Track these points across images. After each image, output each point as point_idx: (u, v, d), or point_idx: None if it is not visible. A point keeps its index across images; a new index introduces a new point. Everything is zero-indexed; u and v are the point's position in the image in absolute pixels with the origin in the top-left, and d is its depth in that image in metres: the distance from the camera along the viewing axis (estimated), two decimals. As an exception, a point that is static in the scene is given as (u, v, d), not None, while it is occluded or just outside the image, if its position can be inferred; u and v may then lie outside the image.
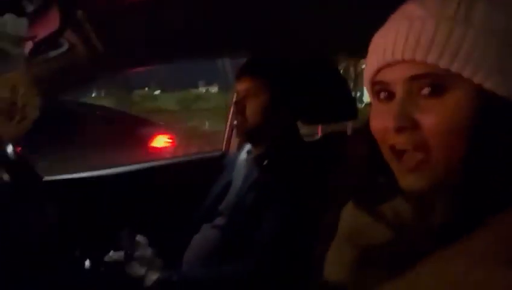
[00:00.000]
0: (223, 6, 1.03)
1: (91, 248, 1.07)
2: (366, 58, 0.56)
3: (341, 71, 1.67)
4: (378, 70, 0.53)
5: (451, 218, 0.49)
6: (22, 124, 0.87)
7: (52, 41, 0.99)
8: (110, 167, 1.73)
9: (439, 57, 0.46)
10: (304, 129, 1.52)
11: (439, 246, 0.47)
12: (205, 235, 1.29)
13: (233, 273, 1.09)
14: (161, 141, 4.66)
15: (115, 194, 1.59)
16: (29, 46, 0.93)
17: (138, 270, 1.03)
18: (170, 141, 4.81)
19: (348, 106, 1.49)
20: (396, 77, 0.50)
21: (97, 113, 4.65)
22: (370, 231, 0.57)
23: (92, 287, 1.04)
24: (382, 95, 0.53)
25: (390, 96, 0.52)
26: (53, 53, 1.06)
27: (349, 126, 2.02)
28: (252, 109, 1.22)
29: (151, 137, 4.64)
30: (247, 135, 1.27)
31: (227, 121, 2.00)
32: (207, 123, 9.27)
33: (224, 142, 1.99)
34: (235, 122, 1.26)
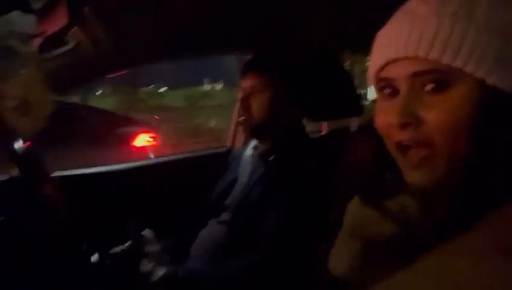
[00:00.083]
0: (228, 2, 1.04)
1: (98, 242, 1.08)
2: (371, 55, 0.56)
3: (347, 68, 1.66)
4: (382, 67, 0.53)
5: (454, 213, 0.49)
6: (37, 120, 0.88)
7: (59, 38, 0.99)
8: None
9: (441, 53, 0.47)
10: (309, 126, 1.52)
11: (442, 240, 0.47)
12: (211, 230, 1.30)
13: (238, 268, 1.09)
14: (143, 140, 4.64)
15: (122, 189, 1.60)
16: (37, 42, 0.94)
17: (145, 265, 1.04)
18: (152, 139, 4.79)
19: (353, 102, 1.49)
20: (399, 74, 0.51)
21: (80, 112, 4.65)
22: (375, 225, 0.58)
23: (99, 281, 1.05)
24: (386, 91, 0.53)
25: (395, 92, 0.52)
26: (60, 50, 1.06)
27: (354, 123, 2.02)
28: (257, 106, 1.22)
29: (133, 136, 4.62)
30: (253, 131, 1.27)
31: (232, 118, 2.00)
32: (214, 120, 9.29)
33: (230, 139, 1.99)
34: (241, 118, 1.27)
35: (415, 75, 0.49)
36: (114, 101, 11.13)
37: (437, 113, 0.48)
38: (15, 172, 1.08)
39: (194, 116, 10.23)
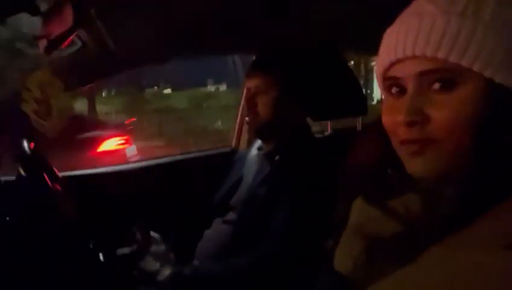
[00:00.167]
0: (234, 4, 1.04)
1: (104, 242, 1.09)
2: (378, 54, 0.56)
3: (351, 68, 1.66)
4: (390, 66, 0.53)
5: (459, 207, 0.49)
6: (58, 119, 0.89)
7: (65, 39, 1.00)
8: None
9: (449, 52, 0.47)
10: (314, 126, 1.52)
11: (448, 235, 0.48)
12: (216, 230, 1.30)
13: (244, 267, 1.10)
14: (113, 144, 4.60)
15: (128, 189, 1.61)
16: (43, 44, 0.95)
17: (152, 265, 1.05)
18: (123, 141, 4.75)
19: (358, 101, 1.49)
20: (407, 73, 0.51)
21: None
22: (379, 224, 0.58)
23: (105, 281, 1.05)
24: (393, 90, 0.53)
25: (402, 91, 0.52)
26: (66, 51, 1.07)
27: (359, 122, 2.02)
28: (263, 106, 1.23)
29: (99, 140, 4.58)
30: (258, 131, 1.28)
31: (237, 118, 2.01)
32: (219, 121, 9.31)
33: (235, 139, 2.00)
34: (247, 118, 1.27)
35: (423, 74, 0.49)
36: (119, 102, 11.19)
37: (444, 112, 0.48)
38: (22, 172, 1.09)
39: (198, 117, 10.27)
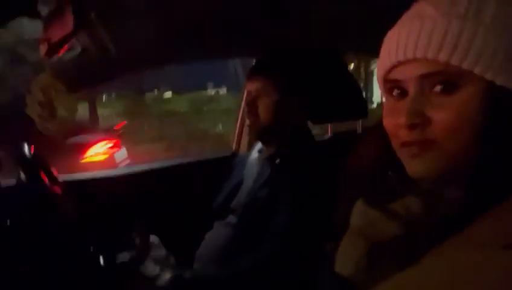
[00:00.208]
0: (234, 5, 1.04)
1: (105, 245, 1.09)
2: (379, 57, 0.56)
3: (352, 71, 1.67)
4: (391, 69, 0.53)
5: (459, 208, 0.49)
6: (63, 121, 0.90)
7: (65, 43, 1.00)
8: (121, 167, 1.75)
9: (450, 55, 0.47)
10: (314, 129, 1.52)
11: (448, 236, 0.48)
12: (217, 233, 1.30)
13: (245, 270, 1.09)
14: (100, 149, 4.55)
15: (128, 193, 1.61)
16: (43, 48, 0.95)
17: (152, 269, 1.04)
18: (111, 146, 4.69)
19: (359, 104, 1.50)
20: (408, 75, 0.51)
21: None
22: (381, 226, 0.58)
23: (105, 285, 1.05)
24: (395, 92, 0.54)
25: (403, 93, 0.52)
26: (66, 55, 1.08)
27: (359, 125, 2.02)
28: (264, 109, 1.23)
29: (86, 146, 4.52)
30: (259, 134, 1.28)
31: (237, 122, 2.01)
32: (220, 125, 9.32)
33: (235, 142, 2.00)
34: (248, 122, 1.27)
35: (424, 76, 0.49)
36: (120, 106, 11.21)
37: (446, 115, 0.48)
38: (22, 176, 1.09)
39: (199, 121, 10.28)
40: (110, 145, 4.79)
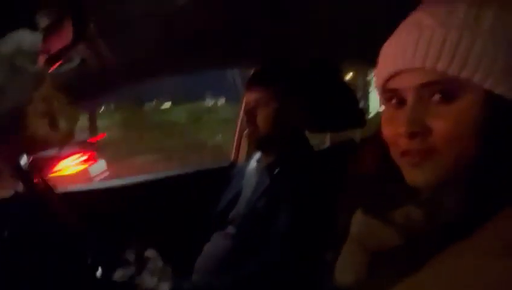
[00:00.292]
0: (232, 16, 1.05)
1: (102, 259, 1.08)
2: (377, 66, 0.56)
3: (349, 81, 1.68)
4: (389, 78, 0.53)
5: (459, 216, 0.49)
6: (66, 133, 0.90)
7: (64, 55, 1.01)
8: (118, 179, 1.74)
9: (449, 64, 0.47)
10: (312, 139, 1.52)
11: (449, 244, 0.48)
12: (216, 243, 1.29)
13: (244, 280, 1.09)
14: (71, 162, 4.49)
15: (126, 204, 1.60)
16: (42, 60, 0.96)
17: (149, 281, 1.04)
18: (85, 159, 4.63)
19: (356, 114, 1.50)
20: (407, 84, 0.51)
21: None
22: (381, 236, 0.57)
23: None
24: (394, 101, 0.54)
25: (402, 102, 0.52)
26: (66, 66, 1.08)
27: (357, 135, 2.02)
28: (262, 118, 1.23)
29: (56, 160, 4.44)
30: (258, 143, 1.28)
31: (236, 132, 2.01)
32: (219, 135, 9.31)
33: (233, 152, 2.00)
34: (247, 131, 1.28)
35: (423, 86, 0.49)
36: (119, 118, 11.21)
37: (445, 123, 0.48)
38: (20, 188, 1.08)
39: (198, 132, 10.28)
40: (84, 158, 4.69)
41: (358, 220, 0.64)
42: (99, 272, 1.01)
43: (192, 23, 1.05)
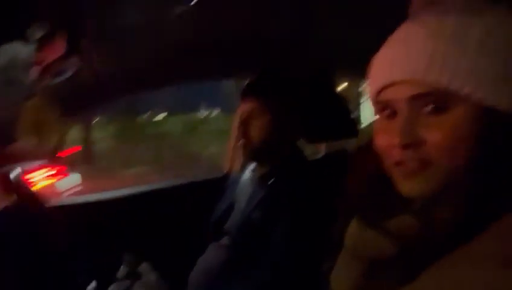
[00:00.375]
0: (226, 27, 1.06)
1: (96, 271, 1.07)
2: (368, 78, 0.57)
3: (342, 92, 1.70)
4: (381, 89, 0.54)
5: (454, 226, 0.49)
6: (54, 146, 0.89)
7: (57, 66, 1.01)
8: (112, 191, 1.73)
9: (439, 76, 0.47)
10: (306, 149, 1.53)
11: (445, 254, 0.47)
12: (211, 255, 1.28)
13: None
14: (39, 176, 4.40)
15: (119, 217, 1.59)
16: (35, 71, 0.96)
17: None
18: (53, 173, 4.49)
19: (350, 124, 1.51)
20: (398, 96, 0.51)
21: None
22: (376, 245, 0.57)
23: None
24: (386, 112, 0.54)
25: (394, 113, 0.53)
26: (58, 78, 1.08)
27: (351, 144, 2.02)
28: (256, 129, 1.23)
29: (24, 173, 4.31)
30: (252, 154, 1.28)
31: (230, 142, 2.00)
32: (213, 147, 9.28)
33: (228, 162, 1.99)
34: (240, 142, 1.28)
35: (414, 97, 0.50)
36: (113, 129, 11.16)
37: (438, 134, 0.48)
38: (11, 201, 1.07)
39: (193, 143, 10.25)
40: (52, 173, 4.58)
41: (353, 230, 0.64)
42: (91, 287, 1.00)
43: (186, 34, 1.05)
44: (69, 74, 1.06)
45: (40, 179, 4.32)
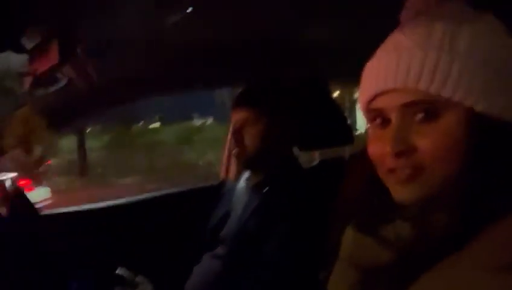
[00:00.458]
0: (219, 36, 1.06)
1: (90, 285, 1.06)
2: (360, 87, 0.57)
3: (336, 99, 1.71)
4: (373, 98, 0.54)
5: (449, 232, 0.49)
6: (39, 157, 0.88)
7: (51, 76, 1.00)
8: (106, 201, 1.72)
9: (429, 84, 0.48)
10: (301, 156, 1.53)
11: (440, 259, 0.48)
12: (206, 265, 1.27)
13: None
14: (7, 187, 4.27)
15: (114, 226, 1.57)
16: (28, 80, 0.95)
17: None
18: (25, 184, 4.44)
19: (344, 131, 1.51)
20: (390, 104, 0.52)
21: None
22: (371, 252, 0.57)
23: None
24: (378, 121, 0.54)
25: (386, 121, 0.53)
26: (52, 88, 1.07)
27: (346, 152, 2.03)
28: (250, 138, 1.23)
29: None
30: (246, 163, 1.28)
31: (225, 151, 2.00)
32: (208, 155, 9.29)
33: (223, 171, 1.99)
34: (234, 151, 1.27)
35: (406, 105, 0.50)
36: (108, 139, 11.14)
37: (430, 141, 0.49)
38: (4, 209, 1.06)
39: (187, 152, 10.25)
40: (26, 181, 4.51)
41: (349, 238, 0.64)
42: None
43: (180, 43, 1.05)
44: (62, 83, 1.05)
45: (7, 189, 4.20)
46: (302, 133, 1.37)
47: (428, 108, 0.49)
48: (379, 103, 0.53)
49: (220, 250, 1.27)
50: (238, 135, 1.24)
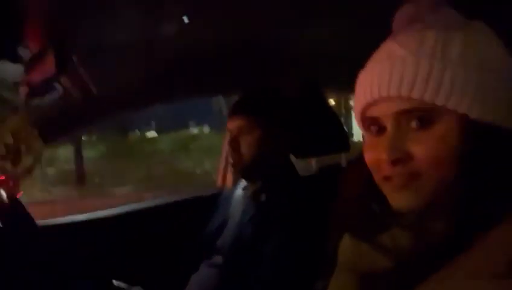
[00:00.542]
0: (215, 44, 1.07)
1: None
2: (354, 96, 0.58)
3: (332, 106, 1.71)
4: (367, 107, 0.54)
5: (446, 238, 0.49)
6: (27, 167, 0.87)
7: (47, 85, 1.00)
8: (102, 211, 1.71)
9: (423, 92, 0.48)
10: (298, 164, 1.53)
11: (436, 267, 0.47)
12: (203, 274, 1.26)
13: None
14: None
15: (111, 237, 1.56)
16: (24, 90, 0.95)
17: None
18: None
19: (341, 139, 1.51)
20: (384, 112, 0.52)
21: None
22: (369, 259, 0.57)
23: None
24: (373, 129, 0.55)
25: (381, 129, 0.53)
26: (48, 97, 1.07)
27: (343, 159, 2.03)
28: (246, 146, 1.23)
29: None
30: (243, 171, 1.28)
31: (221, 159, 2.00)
32: (205, 163, 9.26)
33: (219, 180, 1.98)
34: (231, 160, 1.27)
35: (400, 113, 0.51)
36: (103, 148, 11.10)
37: (425, 149, 0.49)
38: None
39: (184, 160, 10.22)
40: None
41: (346, 245, 0.64)
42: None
43: (176, 52, 1.06)
44: (58, 93, 1.05)
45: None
46: (299, 141, 1.37)
47: (423, 115, 0.49)
48: (374, 112, 0.54)
49: (217, 259, 1.26)
50: (234, 143, 1.24)
